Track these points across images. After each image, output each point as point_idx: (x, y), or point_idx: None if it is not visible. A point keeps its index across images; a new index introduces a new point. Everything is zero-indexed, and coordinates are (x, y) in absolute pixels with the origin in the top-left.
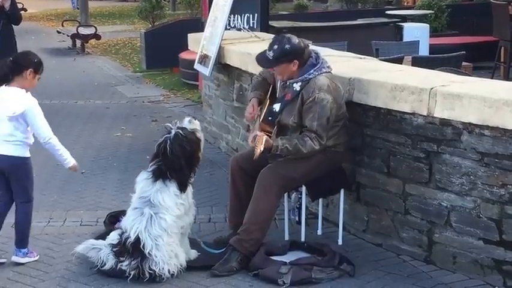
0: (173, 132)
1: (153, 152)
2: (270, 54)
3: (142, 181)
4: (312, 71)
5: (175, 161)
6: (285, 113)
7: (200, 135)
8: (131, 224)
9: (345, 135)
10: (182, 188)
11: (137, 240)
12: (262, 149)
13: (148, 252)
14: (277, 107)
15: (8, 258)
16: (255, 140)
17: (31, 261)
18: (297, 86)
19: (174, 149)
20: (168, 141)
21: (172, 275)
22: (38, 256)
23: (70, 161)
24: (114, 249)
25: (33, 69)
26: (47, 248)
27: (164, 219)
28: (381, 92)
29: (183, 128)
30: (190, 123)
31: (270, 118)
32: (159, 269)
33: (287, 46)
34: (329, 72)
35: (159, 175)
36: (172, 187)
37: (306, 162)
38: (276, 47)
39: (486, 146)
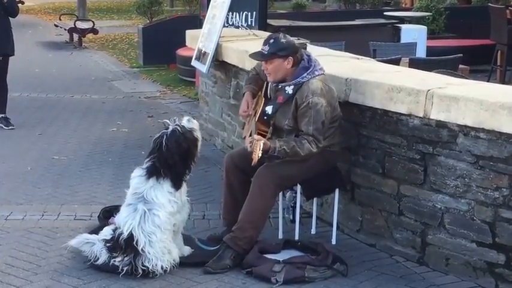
0: (171, 128)
1: (149, 148)
2: (265, 48)
3: (137, 177)
4: (305, 74)
5: (170, 157)
6: (279, 116)
7: (198, 134)
8: (124, 220)
9: (339, 135)
10: (176, 185)
11: (130, 236)
12: (260, 154)
13: (142, 249)
14: (269, 109)
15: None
16: (253, 144)
17: None
18: (289, 89)
19: (170, 144)
20: (165, 136)
21: (165, 271)
22: None
23: None
24: (107, 245)
25: None
26: (40, 241)
27: (158, 216)
28: (378, 93)
29: (181, 126)
30: (188, 122)
31: (265, 118)
32: (152, 265)
33: (283, 41)
34: (322, 74)
35: (153, 172)
36: (166, 185)
37: (303, 161)
38: (272, 41)
39: (481, 149)
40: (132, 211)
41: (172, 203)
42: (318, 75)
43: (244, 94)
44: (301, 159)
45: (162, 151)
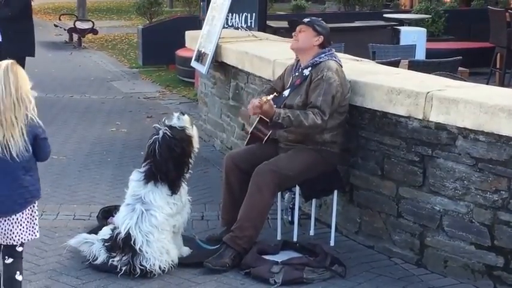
0: (161, 133)
1: (145, 152)
2: (305, 20)
3: (135, 182)
4: (323, 55)
5: (164, 164)
6: (292, 95)
7: (191, 131)
8: (122, 220)
9: (342, 135)
10: (173, 189)
11: (128, 235)
12: (267, 99)
13: (139, 248)
14: (286, 92)
15: None
16: (261, 100)
17: None
18: (306, 71)
19: (163, 152)
20: (157, 143)
21: (163, 271)
22: None
23: None
24: (106, 244)
25: None
26: (39, 241)
27: (155, 217)
28: (377, 95)
29: (171, 127)
30: (179, 121)
31: (275, 105)
32: (150, 265)
33: (322, 22)
34: (339, 63)
35: (150, 177)
36: (164, 188)
37: (302, 161)
38: (313, 17)
39: (480, 151)
40: (130, 211)
41: (171, 204)
42: (336, 60)
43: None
44: (301, 157)
45: (156, 158)
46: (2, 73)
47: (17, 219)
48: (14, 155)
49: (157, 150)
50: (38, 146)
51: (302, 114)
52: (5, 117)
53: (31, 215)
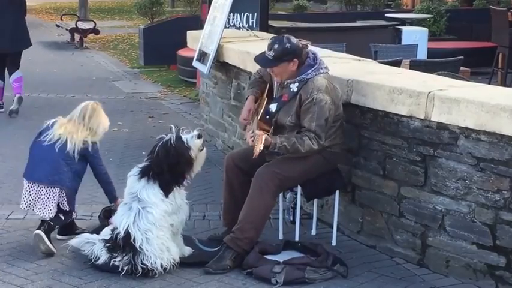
0: (168, 136)
1: (150, 148)
2: (271, 54)
3: (131, 177)
4: (309, 71)
5: (157, 164)
6: (282, 113)
7: (193, 154)
8: (120, 219)
9: (341, 136)
10: (164, 190)
11: (127, 234)
12: (261, 148)
13: (139, 246)
14: (273, 107)
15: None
16: (254, 139)
17: None
18: (294, 87)
19: (160, 152)
20: (161, 142)
21: (165, 269)
22: None
23: None
24: (107, 245)
25: None
26: None
27: (151, 213)
28: (379, 95)
29: (179, 138)
30: (191, 139)
31: (267, 117)
32: (151, 263)
33: (288, 45)
34: (326, 73)
35: (145, 173)
36: (157, 187)
37: (303, 162)
38: (276, 46)
39: (482, 151)
40: (127, 210)
41: (166, 202)
42: (323, 73)
43: (247, 98)
44: (302, 159)
45: (154, 156)
46: (85, 104)
47: (43, 197)
48: (64, 152)
49: (157, 148)
50: (89, 161)
51: (298, 140)
52: (71, 132)
53: (51, 198)
